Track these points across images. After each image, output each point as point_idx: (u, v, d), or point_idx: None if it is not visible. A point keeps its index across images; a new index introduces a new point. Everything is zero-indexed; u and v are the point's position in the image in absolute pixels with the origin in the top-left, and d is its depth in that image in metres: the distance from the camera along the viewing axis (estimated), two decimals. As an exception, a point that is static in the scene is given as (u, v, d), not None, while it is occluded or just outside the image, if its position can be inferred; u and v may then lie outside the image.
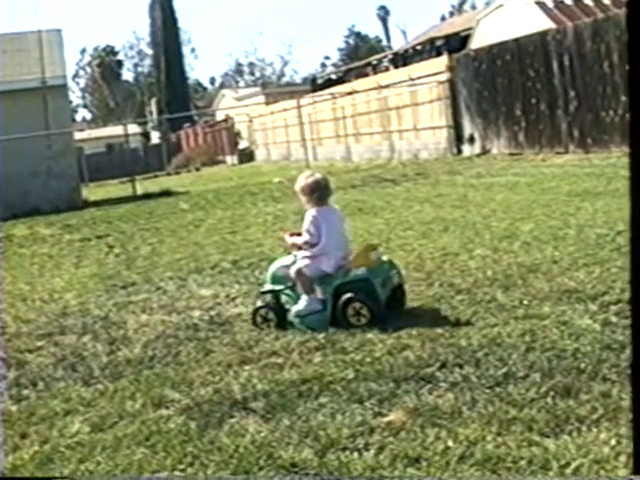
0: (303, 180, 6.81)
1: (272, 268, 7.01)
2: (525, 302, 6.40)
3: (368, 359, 5.42)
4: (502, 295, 6.71)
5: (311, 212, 6.71)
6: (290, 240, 6.90)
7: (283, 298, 6.79)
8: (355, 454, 3.99)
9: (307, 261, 6.66)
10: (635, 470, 2.82)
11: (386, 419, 4.35)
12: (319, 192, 6.74)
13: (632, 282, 2.59)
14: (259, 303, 6.91)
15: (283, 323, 6.64)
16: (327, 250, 6.64)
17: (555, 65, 20.28)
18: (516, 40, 22.18)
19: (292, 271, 6.68)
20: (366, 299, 6.40)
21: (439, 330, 5.89)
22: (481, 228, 10.23)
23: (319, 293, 6.63)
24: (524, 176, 16.29)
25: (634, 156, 2.50)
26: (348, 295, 6.42)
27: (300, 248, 6.77)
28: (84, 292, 9.49)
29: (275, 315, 6.69)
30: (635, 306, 2.61)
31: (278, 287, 6.83)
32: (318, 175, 6.92)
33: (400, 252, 9.33)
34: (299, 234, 6.84)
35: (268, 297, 6.85)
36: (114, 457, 4.36)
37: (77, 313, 8.33)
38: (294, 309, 6.65)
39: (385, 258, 7.09)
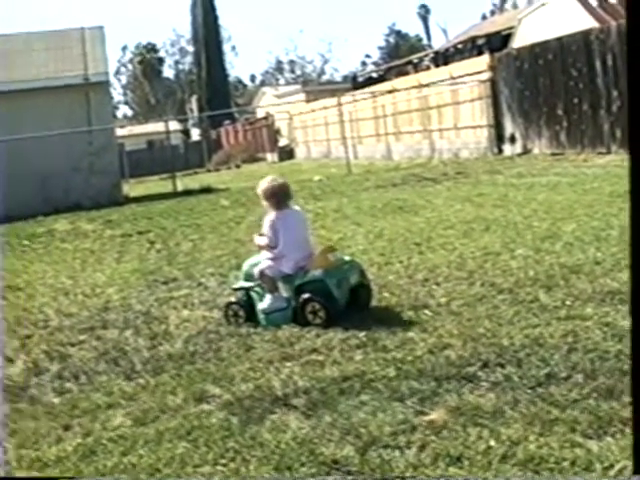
0: (265, 184, 7.17)
1: (245, 266, 7.39)
2: (567, 303, 6.36)
3: (409, 357, 5.41)
4: (544, 295, 6.67)
5: (269, 217, 7.08)
6: (256, 241, 7.30)
7: (253, 295, 7.10)
8: (397, 452, 4.00)
9: (269, 262, 7.02)
10: (635, 470, 2.81)
11: (428, 418, 4.35)
12: (278, 196, 7.10)
13: (632, 283, 2.58)
14: (231, 299, 7.28)
15: (253, 319, 6.99)
16: (285, 252, 6.99)
17: (598, 64, 20.11)
18: (559, 39, 22.02)
19: (256, 271, 7.06)
20: (322, 299, 6.67)
21: (481, 330, 5.87)
22: (522, 228, 10.17)
23: (283, 292, 6.95)
24: (566, 176, 16.18)
25: (634, 158, 2.49)
26: (306, 295, 6.75)
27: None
28: (126, 287, 9.55)
29: (244, 311, 7.06)
30: (635, 307, 2.59)
31: (248, 284, 7.17)
32: (279, 180, 7.29)
33: (441, 251, 9.31)
34: (259, 246, 7.25)
35: (239, 294, 7.22)
36: (156, 451, 4.40)
37: (119, 308, 8.39)
38: (259, 306, 6.99)
39: (347, 259, 7.40)
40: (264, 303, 6.96)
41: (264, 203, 7.15)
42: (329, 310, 6.63)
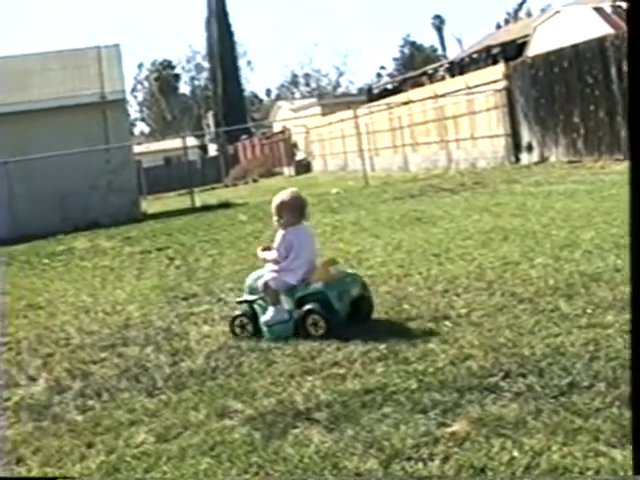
0: (286, 197, 7.17)
1: (248, 280, 7.42)
2: (588, 311, 6.34)
3: (431, 369, 5.40)
4: (565, 304, 6.65)
5: (282, 232, 7.08)
6: (261, 255, 7.36)
7: (256, 308, 7.17)
8: (420, 464, 3.98)
9: (274, 274, 7.05)
10: (635, 470, 2.79)
11: (450, 429, 4.34)
12: (298, 210, 7.13)
13: (632, 284, 2.57)
14: (237, 312, 7.35)
15: (259, 331, 7.06)
16: (293, 266, 7.03)
17: (614, 71, 20.08)
18: (574, 46, 22.02)
19: (259, 283, 7.08)
20: (322, 311, 6.73)
21: (501, 340, 5.85)
22: (541, 237, 10.15)
23: (285, 304, 7.00)
24: (583, 184, 16.14)
25: (634, 160, 2.49)
26: (307, 307, 6.79)
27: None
28: (146, 304, 9.57)
29: (251, 324, 7.13)
30: (635, 308, 2.59)
31: (252, 297, 7.23)
32: (297, 193, 7.32)
33: (460, 262, 9.30)
34: (269, 248, 7.29)
35: (244, 306, 7.28)
36: (180, 467, 4.40)
37: (139, 325, 8.41)
38: (262, 319, 7.04)
39: (349, 271, 7.56)
40: (267, 315, 7.01)
41: (283, 216, 7.08)
42: (329, 322, 6.69)
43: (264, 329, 7.02)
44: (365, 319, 7.04)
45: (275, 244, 7.15)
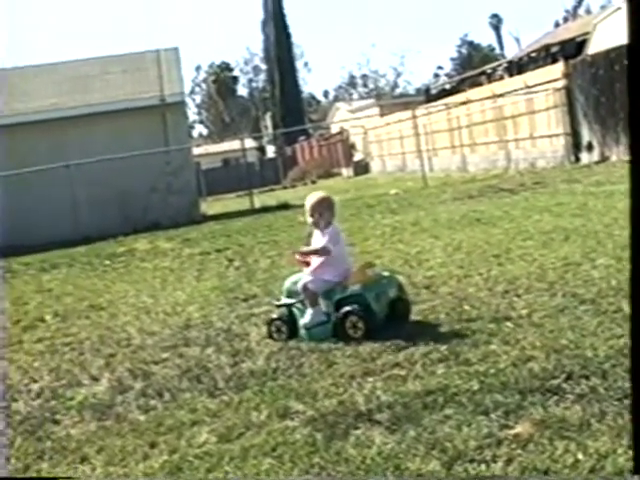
0: (324, 195, 7.35)
1: (287, 283, 7.50)
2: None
3: (492, 370, 5.37)
4: (628, 305, 6.56)
5: (329, 229, 7.15)
6: (304, 259, 7.36)
7: (294, 311, 7.23)
8: (483, 466, 3.96)
9: (311, 277, 7.13)
10: (635, 470, 2.75)
11: (513, 431, 4.30)
12: (332, 210, 7.24)
13: (632, 286, 2.54)
14: (274, 315, 7.39)
15: (295, 334, 7.13)
16: (333, 261, 7.10)
17: (676, 69, 19.79)
18: (635, 44, 21.72)
19: (299, 286, 7.16)
20: (361, 313, 6.79)
21: (564, 341, 5.80)
22: (603, 237, 10.03)
23: (323, 307, 7.07)
24: (646, 183, 15.91)
25: (634, 161, 2.46)
26: (345, 309, 6.86)
27: (308, 264, 7.26)
28: (206, 305, 9.63)
29: (287, 327, 7.20)
30: (635, 307, 2.55)
31: (290, 301, 7.31)
32: (327, 195, 7.44)
33: (521, 262, 9.23)
34: (305, 253, 7.35)
35: (282, 310, 7.34)
36: (242, 467, 4.42)
37: (200, 325, 8.47)
38: (301, 322, 7.11)
39: (385, 274, 7.55)
40: (306, 317, 7.08)
41: (321, 215, 7.16)
42: (368, 323, 6.76)
43: (302, 332, 7.10)
44: (402, 320, 7.09)
45: (322, 241, 7.14)
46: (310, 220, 7.24)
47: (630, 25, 2.32)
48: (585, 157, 24.75)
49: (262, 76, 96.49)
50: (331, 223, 7.19)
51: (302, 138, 67.06)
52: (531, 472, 3.83)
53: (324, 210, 7.17)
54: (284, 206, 26.65)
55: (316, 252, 7.19)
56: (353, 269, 7.25)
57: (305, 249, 7.43)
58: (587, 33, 33.96)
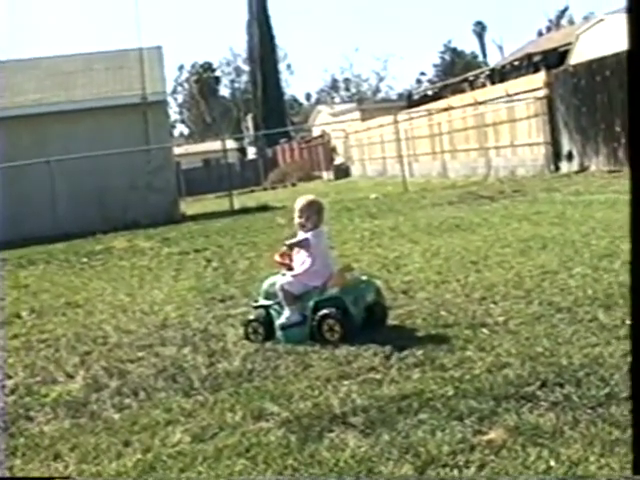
0: (313, 198, 7.35)
1: (264, 285, 7.49)
2: (627, 322, 6.29)
3: (467, 376, 5.39)
4: (603, 314, 6.61)
5: (310, 235, 7.12)
6: (279, 260, 7.37)
7: (272, 313, 7.22)
8: (455, 471, 3.98)
9: (290, 279, 7.13)
10: (635, 470, 2.77)
11: (486, 437, 4.32)
12: (320, 213, 7.25)
13: (632, 287, 2.56)
14: (251, 317, 7.38)
15: (272, 336, 7.12)
16: (316, 269, 7.07)
17: (657, 81, 19.91)
18: (616, 55, 21.83)
19: (277, 286, 7.15)
20: (339, 316, 6.80)
21: (539, 349, 5.83)
22: (580, 246, 10.08)
23: (300, 308, 7.05)
24: (624, 193, 15.98)
25: (634, 165, 2.48)
26: (323, 312, 6.85)
27: (290, 268, 7.23)
28: (183, 305, 9.62)
29: (264, 329, 7.16)
30: (635, 307, 2.57)
31: (268, 302, 7.30)
32: (318, 199, 7.45)
33: (498, 269, 9.27)
34: (286, 255, 7.31)
35: (259, 311, 7.32)
36: (215, 467, 4.42)
37: (177, 325, 8.46)
38: (278, 322, 7.10)
39: (364, 278, 7.62)
40: (282, 317, 7.07)
41: (306, 219, 7.15)
42: (345, 326, 6.76)
43: (279, 333, 7.09)
44: (379, 325, 7.10)
45: (304, 248, 7.14)
46: (297, 221, 7.23)
47: (630, 28, 2.34)
48: (565, 166, 24.87)
49: (245, 77, 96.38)
50: (318, 227, 7.18)
51: (283, 140, 67.04)
52: (503, 478, 3.84)
53: (312, 213, 7.17)
54: (264, 208, 26.66)
55: (299, 243, 7.17)
56: (333, 272, 7.24)
57: (288, 242, 7.36)
58: (570, 43, 34.15)
